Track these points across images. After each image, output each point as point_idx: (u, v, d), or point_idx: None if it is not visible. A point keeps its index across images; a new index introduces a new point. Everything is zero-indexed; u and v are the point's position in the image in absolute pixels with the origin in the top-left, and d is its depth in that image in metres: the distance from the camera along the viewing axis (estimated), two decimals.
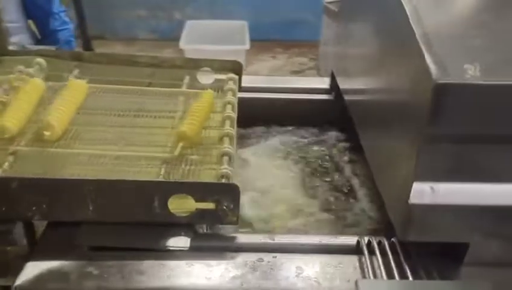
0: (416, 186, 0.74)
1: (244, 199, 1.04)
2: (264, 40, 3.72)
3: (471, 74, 0.67)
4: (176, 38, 3.35)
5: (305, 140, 1.32)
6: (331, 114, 1.34)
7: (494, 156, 0.73)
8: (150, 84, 1.22)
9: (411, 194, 0.74)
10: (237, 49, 3.19)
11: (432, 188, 0.75)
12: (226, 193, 0.83)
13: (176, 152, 0.93)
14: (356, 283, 0.68)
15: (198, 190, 0.83)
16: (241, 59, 3.25)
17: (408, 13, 0.77)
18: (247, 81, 1.39)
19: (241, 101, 1.18)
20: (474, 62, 0.68)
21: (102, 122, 1.05)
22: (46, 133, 0.93)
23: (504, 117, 0.68)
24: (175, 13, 3.80)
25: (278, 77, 2.38)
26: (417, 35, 0.72)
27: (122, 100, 1.14)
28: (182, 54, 3.10)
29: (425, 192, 0.75)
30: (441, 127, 0.69)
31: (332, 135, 1.33)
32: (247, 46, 3.20)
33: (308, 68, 3.49)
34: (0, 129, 0.94)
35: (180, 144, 0.95)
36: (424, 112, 0.68)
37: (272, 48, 3.66)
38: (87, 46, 2.39)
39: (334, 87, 1.34)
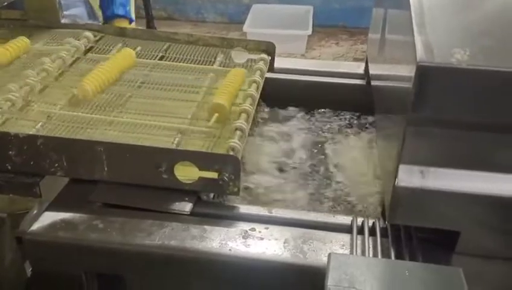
0: (404, 168, 0.74)
1: None
2: (330, 26, 3.67)
3: (459, 57, 0.65)
4: (243, 22, 3.41)
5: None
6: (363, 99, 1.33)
7: (484, 144, 0.71)
8: (184, 61, 1.28)
9: (398, 177, 0.74)
10: (298, 34, 3.19)
11: (422, 172, 0.75)
12: (227, 164, 0.88)
13: (211, 123, 0.99)
14: (329, 255, 0.70)
15: (200, 159, 0.88)
16: (302, 44, 3.30)
17: None
18: (282, 63, 1.42)
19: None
20: (465, 46, 0.67)
21: (135, 93, 1.13)
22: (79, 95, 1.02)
23: (491, 104, 0.66)
24: None
25: (314, 60, 2.37)
26: (413, 16, 0.72)
27: (156, 74, 1.22)
28: (245, 37, 3.15)
29: (414, 175, 0.74)
30: (426, 110, 0.68)
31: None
32: (309, 31, 3.20)
33: None
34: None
35: (216, 115, 1.00)
36: (409, 93, 0.68)
37: (337, 34, 3.60)
38: (150, 25, 2.51)
39: (367, 72, 1.33)
